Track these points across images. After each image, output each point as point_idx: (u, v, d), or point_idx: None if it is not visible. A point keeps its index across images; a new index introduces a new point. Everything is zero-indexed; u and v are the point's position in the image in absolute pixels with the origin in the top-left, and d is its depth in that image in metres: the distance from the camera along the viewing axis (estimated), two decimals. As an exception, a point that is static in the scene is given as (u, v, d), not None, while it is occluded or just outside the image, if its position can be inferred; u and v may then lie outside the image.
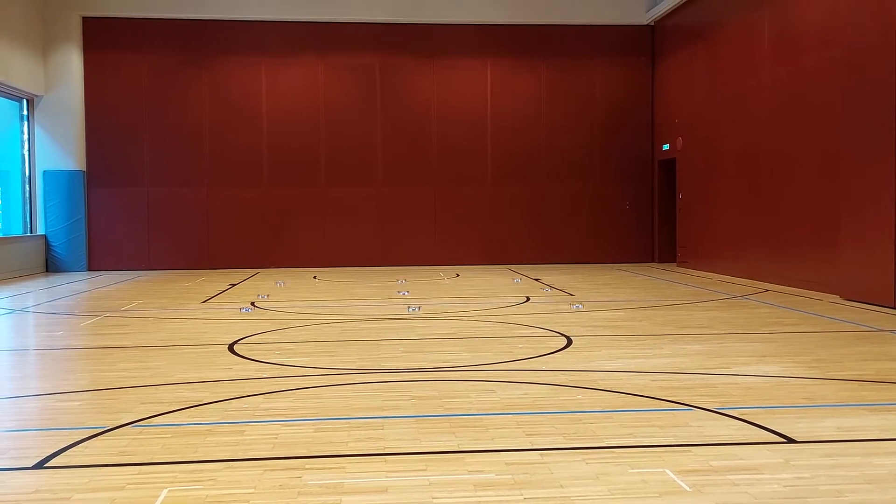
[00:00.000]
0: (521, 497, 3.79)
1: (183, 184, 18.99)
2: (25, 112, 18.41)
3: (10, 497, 3.91)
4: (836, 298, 11.67)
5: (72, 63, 18.47)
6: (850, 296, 11.47)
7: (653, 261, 19.78)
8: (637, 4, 19.63)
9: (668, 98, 19.03)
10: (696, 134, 17.46)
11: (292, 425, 5.09)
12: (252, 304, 11.90)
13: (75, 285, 15.23)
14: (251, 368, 7.00)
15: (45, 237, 18.42)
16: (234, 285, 14.87)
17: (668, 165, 19.26)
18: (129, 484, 4.02)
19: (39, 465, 4.34)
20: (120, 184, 18.82)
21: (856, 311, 10.45)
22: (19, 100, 18.22)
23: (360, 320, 10.05)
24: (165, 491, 3.90)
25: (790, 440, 4.67)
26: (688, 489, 3.86)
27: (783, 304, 11.30)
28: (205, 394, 5.98)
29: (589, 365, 6.99)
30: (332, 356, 7.56)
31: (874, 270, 10.95)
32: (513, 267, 18.72)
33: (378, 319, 10.12)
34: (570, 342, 8.14)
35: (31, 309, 11.84)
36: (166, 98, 18.93)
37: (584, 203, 19.84)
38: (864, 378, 6.38)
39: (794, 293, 12.52)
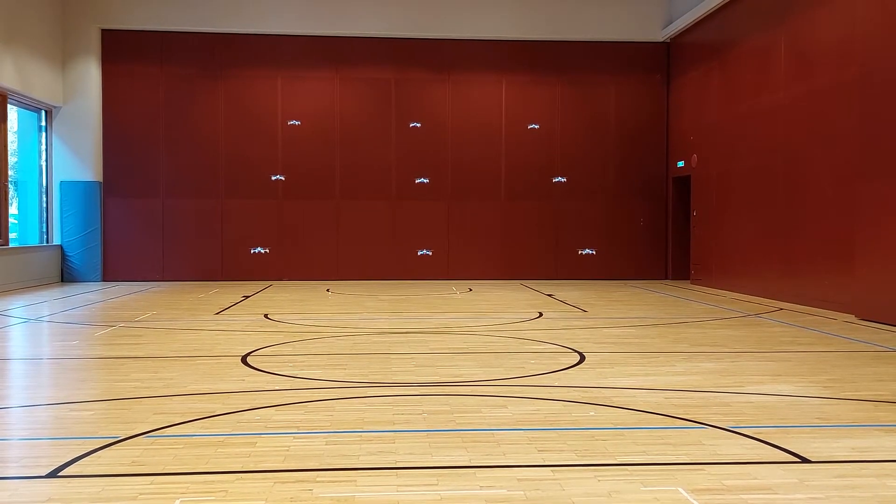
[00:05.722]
0: (533, 513, 3.78)
1: (198, 196, 19.09)
2: (44, 123, 18.58)
3: (23, 505, 3.93)
4: (851, 318, 11.59)
5: (90, 75, 18.66)
6: (866, 315, 11.39)
7: (666, 278, 19.71)
8: (653, 21, 19.65)
9: (684, 115, 19.02)
10: (710, 151, 17.43)
11: (304, 438, 5.10)
12: (265, 315, 11.94)
13: (90, 295, 15.32)
14: (263, 380, 7.01)
15: (60, 247, 18.55)
16: (247, 297, 14.92)
17: (683, 182, 19.23)
18: (141, 494, 4.03)
19: (52, 474, 4.36)
20: (136, 195, 18.95)
21: (871, 331, 10.38)
22: (38, 110, 18.40)
23: (373, 334, 10.06)
24: (177, 501, 3.92)
25: (804, 460, 4.64)
26: (700, 508, 3.85)
27: (797, 323, 11.24)
28: (217, 405, 5.99)
29: (602, 381, 6.97)
30: (344, 369, 7.57)
31: (890, 290, 10.87)
32: (526, 282, 18.69)
33: (390, 333, 10.12)
34: (582, 358, 8.12)
35: (45, 318, 11.91)
36: (183, 110, 19.08)
37: (597, 219, 19.82)
38: (880, 399, 6.33)
39: (808, 312, 12.45)
